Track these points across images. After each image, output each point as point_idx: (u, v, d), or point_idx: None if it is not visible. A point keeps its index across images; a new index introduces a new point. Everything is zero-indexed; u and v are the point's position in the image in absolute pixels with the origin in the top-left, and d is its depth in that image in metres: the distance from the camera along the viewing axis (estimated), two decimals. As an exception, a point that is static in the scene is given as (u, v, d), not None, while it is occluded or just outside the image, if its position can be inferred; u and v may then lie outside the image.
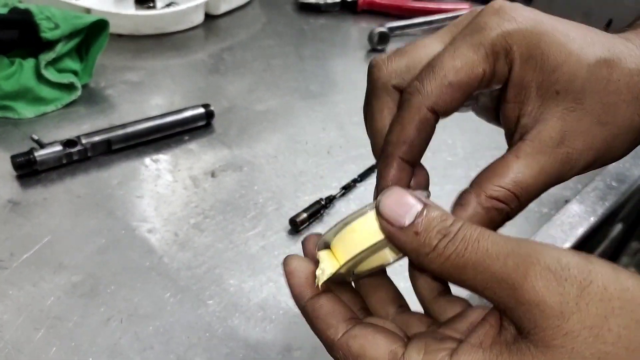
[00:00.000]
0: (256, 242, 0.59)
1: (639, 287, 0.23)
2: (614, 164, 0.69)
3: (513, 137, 0.32)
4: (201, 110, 0.71)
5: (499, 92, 0.33)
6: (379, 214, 0.27)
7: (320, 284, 0.30)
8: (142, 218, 0.60)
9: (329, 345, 0.29)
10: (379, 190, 0.33)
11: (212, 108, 0.72)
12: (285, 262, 0.32)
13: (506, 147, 0.71)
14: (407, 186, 0.33)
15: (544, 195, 0.70)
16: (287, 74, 0.85)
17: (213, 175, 0.66)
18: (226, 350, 0.49)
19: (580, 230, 0.60)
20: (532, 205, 0.67)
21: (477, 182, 0.31)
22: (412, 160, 0.32)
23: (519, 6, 0.30)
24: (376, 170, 0.33)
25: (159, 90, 0.79)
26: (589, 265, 0.23)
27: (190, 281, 0.54)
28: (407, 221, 0.26)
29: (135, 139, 0.67)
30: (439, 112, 0.31)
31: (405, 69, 0.32)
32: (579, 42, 0.30)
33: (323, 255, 0.31)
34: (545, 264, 0.23)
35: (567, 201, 0.69)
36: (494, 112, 0.36)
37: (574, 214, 0.61)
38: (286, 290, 0.54)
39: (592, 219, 0.61)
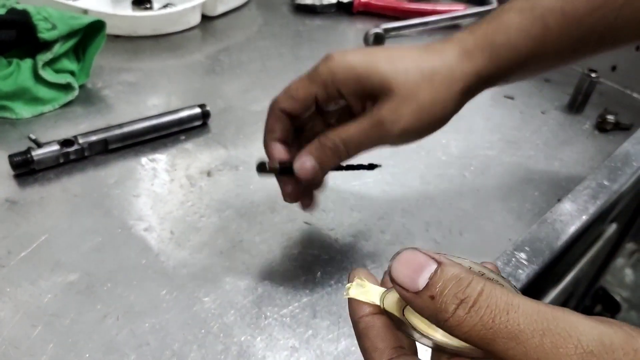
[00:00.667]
0: (252, 240, 0.59)
1: None
2: (606, 163, 0.70)
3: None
4: (197, 110, 0.72)
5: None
6: (392, 280, 0.26)
7: (346, 294, 0.31)
8: (138, 217, 0.60)
9: None
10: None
11: (208, 108, 0.73)
12: (356, 272, 0.32)
13: (498, 147, 0.75)
14: (287, 157, 0.52)
15: (536, 195, 0.71)
16: (283, 75, 0.86)
17: (209, 174, 0.67)
18: (221, 347, 0.49)
19: (571, 229, 0.60)
20: (525, 204, 0.68)
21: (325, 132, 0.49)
22: (281, 139, 0.52)
23: (345, 51, 0.49)
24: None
25: (156, 91, 0.80)
26: (634, 343, 0.21)
27: (186, 279, 0.54)
28: (421, 284, 0.25)
29: (131, 139, 0.68)
30: (287, 112, 0.50)
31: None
32: (389, 60, 0.47)
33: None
34: (588, 346, 0.21)
35: (559, 200, 0.69)
36: None
37: (566, 212, 0.62)
38: (281, 288, 0.55)
39: (584, 218, 0.61)
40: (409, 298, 0.26)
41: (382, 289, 0.32)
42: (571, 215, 0.61)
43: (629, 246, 1.92)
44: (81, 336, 0.48)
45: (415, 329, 0.29)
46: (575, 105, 0.86)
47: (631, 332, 0.22)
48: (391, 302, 0.31)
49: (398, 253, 0.27)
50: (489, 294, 0.24)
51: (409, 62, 0.46)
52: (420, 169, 0.72)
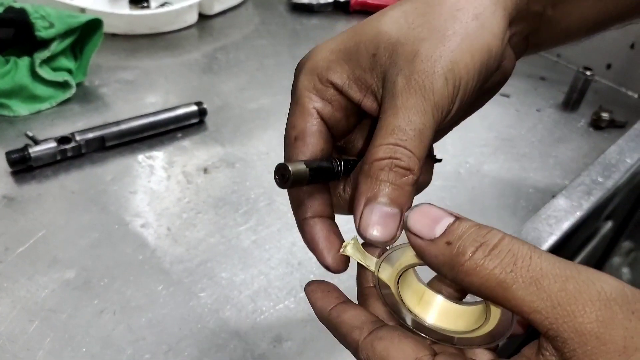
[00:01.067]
0: (248, 237, 0.60)
1: None
2: (600, 160, 0.70)
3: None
4: (194, 108, 0.72)
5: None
6: (407, 229, 0.26)
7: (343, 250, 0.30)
8: (135, 213, 0.61)
9: (354, 348, 0.27)
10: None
11: (205, 106, 0.73)
12: (306, 287, 0.31)
13: (494, 144, 0.73)
14: (336, 235, 0.32)
15: (531, 192, 0.71)
16: (280, 73, 0.86)
17: (206, 171, 0.67)
18: (218, 341, 0.49)
19: (565, 225, 0.61)
20: (520, 201, 0.69)
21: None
22: (320, 213, 0.33)
23: (317, 47, 0.33)
24: None
25: (153, 89, 0.80)
26: None
27: (183, 274, 0.55)
28: (438, 232, 0.24)
29: (128, 136, 0.68)
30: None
31: None
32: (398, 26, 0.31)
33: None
34: (611, 294, 0.21)
35: (554, 196, 0.70)
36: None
37: (560, 208, 0.62)
38: (277, 283, 0.56)
39: (578, 214, 0.62)
40: (423, 246, 0.25)
41: (376, 259, 0.30)
42: (565, 212, 0.62)
43: (626, 245, 1.93)
44: (78, 331, 0.49)
45: (404, 306, 0.29)
46: (571, 103, 0.87)
47: None
48: (386, 273, 0.30)
49: (414, 206, 0.26)
50: (511, 240, 0.23)
51: (408, 7, 0.32)
52: (415, 166, 0.72)
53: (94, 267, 0.54)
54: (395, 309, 0.29)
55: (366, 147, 0.31)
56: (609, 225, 0.92)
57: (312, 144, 0.31)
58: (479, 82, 0.31)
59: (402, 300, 0.29)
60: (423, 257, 0.26)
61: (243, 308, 0.53)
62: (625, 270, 2.25)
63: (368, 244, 0.30)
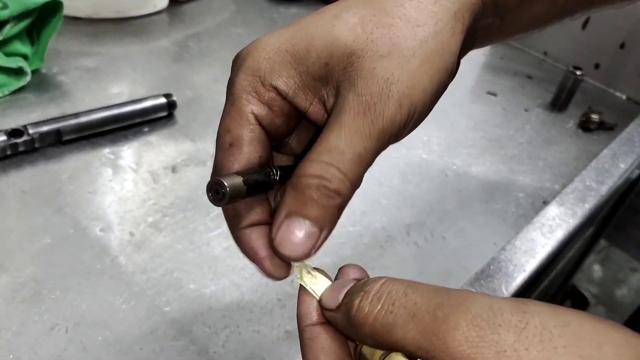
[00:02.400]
0: (219, 243, 0.54)
1: (581, 321, 0.21)
2: (593, 164, 0.67)
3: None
4: (162, 100, 0.67)
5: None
6: (321, 306, 0.27)
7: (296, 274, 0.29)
8: (94, 216, 0.55)
9: None
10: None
11: (174, 98, 0.68)
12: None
13: (481, 145, 0.67)
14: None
15: (521, 196, 0.68)
16: (256, 64, 0.80)
17: (174, 170, 0.62)
18: (184, 363, 0.44)
19: (560, 234, 0.57)
20: (510, 207, 0.65)
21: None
22: (255, 222, 0.30)
23: (256, 41, 0.31)
24: None
25: (118, 78, 0.74)
26: (523, 307, 0.21)
27: (146, 285, 0.49)
28: (340, 298, 0.26)
29: (88, 130, 0.62)
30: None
31: None
32: (332, 17, 0.29)
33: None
34: (477, 312, 0.21)
35: (545, 202, 0.66)
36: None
37: (554, 216, 0.59)
38: (252, 296, 0.51)
39: (572, 222, 0.58)
40: (330, 317, 0.26)
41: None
42: (559, 219, 0.58)
43: (602, 243, 1.93)
44: (24, 350, 0.43)
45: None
46: (559, 104, 0.83)
47: (524, 301, 0.22)
48: (365, 353, 0.27)
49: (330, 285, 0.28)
50: (389, 282, 0.24)
51: (365, 12, 0.29)
52: (400, 167, 0.68)
53: (45, 277, 0.48)
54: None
55: (303, 152, 0.31)
56: (591, 228, 0.89)
57: (249, 152, 0.29)
58: (435, 102, 0.30)
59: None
60: (335, 328, 0.26)
61: (213, 324, 0.47)
62: (596, 268, 2.26)
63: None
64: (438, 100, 0.30)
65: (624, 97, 0.90)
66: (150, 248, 0.53)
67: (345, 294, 0.25)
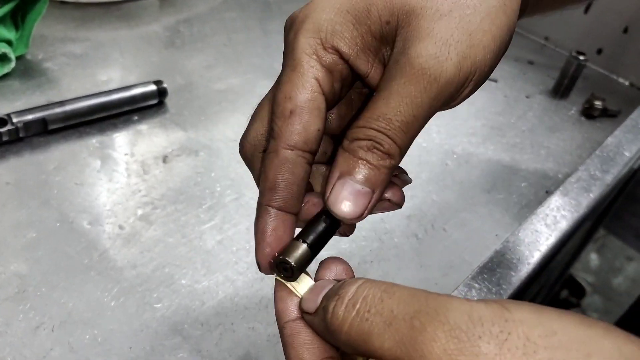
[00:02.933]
0: (212, 236, 0.52)
1: (568, 329, 0.19)
2: (598, 153, 0.65)
3: None
4: (153, 87, 0.64)
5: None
6: (300, 310, 0.26)
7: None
8: (81, 208, 0.52)
9: None
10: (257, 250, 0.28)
11: (165, 85, 0.65)
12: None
13: (482, 133, 0.63)
14: (290, 236, 0.28)
15: (523, 186, 0.66)
16: (250, 50, 0.78)
17: (165, 160, 0.59)
18: (175, 362, 0.42)
19: (564, 225, 0.55)
20: (513, 197, 0.63)
21: None
22: (286, 207, 0.28)
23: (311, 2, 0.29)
24: None
25: (106, 65, 0.71)
26: (505, 314, 0.19)
27: (136, 281, 0.47)
28: (318, 301, 0.24)
29: (75, 119, 0.60)
30: (300, 146, 0.27)
31: None
32: None
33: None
34: (455, 322, 0.20)
35: (548, 192, 0.64)
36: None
37: (558, 206, 0.57)
38: (247, 292, 0.49)
39: (577, 212, 0.57)
40: (309, 321, 0.25)
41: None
42: (564, 210, 0.56)
43: (600, 232, 1.92)
44: (8, 351, 0.41)
45: None
46: (561, 90, 0.81)
47: (506, 305, 0.20)
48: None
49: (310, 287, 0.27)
50: (365, 286, 0.22)
51: None
52: (399, 156, 0.65)
53: (30, 273, 0.46)
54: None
55: (340, 127, 0.31)
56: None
57: (309, 123, 0.27)
58: (497, 62, 0.28)
59: None
60: (314, 331, 0.25)
61: (206, 321, 0.46)
62: (593, 257, 2.25)
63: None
64: (500, 60, 0.28)
65: (627, 83, 0.88)
66: (140, 242, 0.51)
67: (323, 298, 0.24)
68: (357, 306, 0.22)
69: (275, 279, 0.27)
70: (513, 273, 0.50)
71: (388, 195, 0.29)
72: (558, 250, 0.55)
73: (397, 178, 0.31)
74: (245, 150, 0.30)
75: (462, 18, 0.26)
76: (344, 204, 0.26)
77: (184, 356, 0.43)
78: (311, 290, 0.26)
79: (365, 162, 0.26)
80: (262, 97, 0.30)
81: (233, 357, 0.44)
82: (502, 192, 0.64)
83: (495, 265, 0.50)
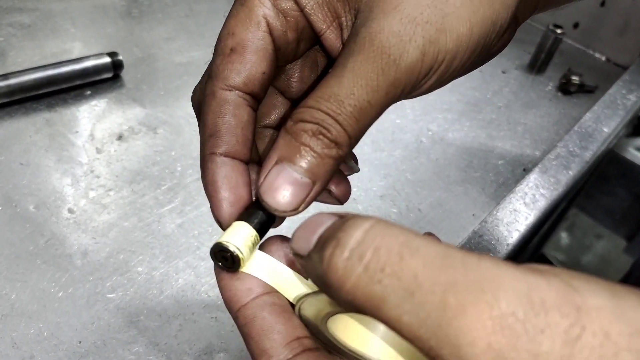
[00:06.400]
0: (172, 220, 0.49)
1: None
2: (576, 129, 0.63)
3: None
4: (106, 59, 0.59)
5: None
6: (292, 252, 0.20)
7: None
8: (27, 191, 0.48)
9: None
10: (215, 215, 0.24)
11: (120, 57, 0.60)
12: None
13: (457, 109, 0.60)
14: (246, 184, 0.24)
15: (500, 163, 0.64)
16: (214, 22, 0.73)
17: (120, 138, 0.55)
18: (130, 357, 0.39)
19: (543, 203, 0.53)
20: (489, 175, 0.61)
21: None
22: (233, 153, 0.24)
23: None
24: None
25: (56, 36, 0.66)
26: (576, 298, 0.15)
27: (86, 270, 0.43)
28: (313, 242, 0.18)
29: (21, 93, 0.55)
30: (240, 87, 0.24)
31: None
32: None
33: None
34: (508, 306, 0.14)
35: (525, 170, 0.62)
36: None
37: (537, 184, 0.55)
38: (208, 279, 0.45)
39: (556, 191, 0.54)
40: (302, 265, 0.19)
41: (299, 279, 0.23)
42: (543, 188, 0.54)
43: (572, 211, 1.94)
44: (-58, 349, 0.37)
45: (338, 343, 0.22)
46: (537, 65, 0.79)
47: (570, 281, 0.15)
48: (311, 305, 0.22)
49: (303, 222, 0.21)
50: (377, 231, 0.16)
51: None
52: (371, 134, 0.62)
53: (-32, 263, 0.42)
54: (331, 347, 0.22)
55: (301, 97, 0.27)
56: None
57: (252, 62, 0.24)
58: (470, 60, 0.24)
59: (335, 339, 0.22)
60: (308, 276, 0.21)
61: (164, 312, 0.42)
62: (563, 235, 2.28)
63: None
64: (476, 55, 0.24)
65: (603, 58, 0.86)
66: (92, 227, 0.47)
67: (319, 238, 0.18)
68: (366, 260, 0.16)
69: (215, 268, 0.23)
70: (492, 254, 0.48)
71: (332, 187, 0.26)
72: (537, 230, 0.53)
73: (343, 164, 0.27)
74: (197, 97, 0.26)
75: None
76: (279, 194, 0.22)
77: (139, 350, 0.39)
78: (304, 226, 0.20)
79: (308, 148, 0.22)
80: None
81: (194, 349, 0.40)
82: (478, 170, 0.61)
83: (474, 247, 0.48)
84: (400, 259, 0.16)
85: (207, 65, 0.26)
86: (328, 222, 0.18)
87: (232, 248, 0.22)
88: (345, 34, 0.25)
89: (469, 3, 0.23)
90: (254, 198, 0.25)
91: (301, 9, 0.24)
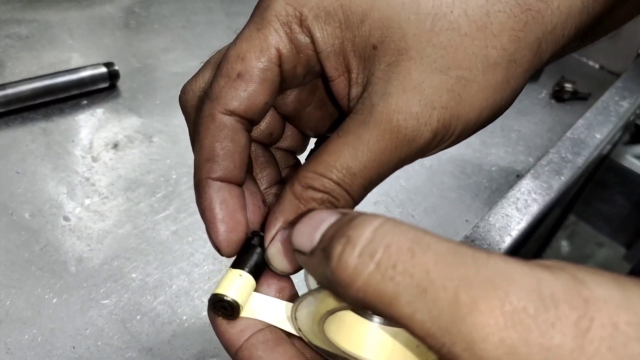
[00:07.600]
0: (167, 227, 0.49)
1: None
2: (569, 135, 0.63)
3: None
4: (103, 69, 0.60)
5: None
6: (293, 247, 0.20)
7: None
8: (23, 199, 0.49)
9: None
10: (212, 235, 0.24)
11: (116, 67, 0.61)
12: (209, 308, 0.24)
13: None
14: (242, 209, 0.24)
15: (494, 170, 0.64)
16: (211, 33, 0.74)
17: (116, 146, 0.56)
18: (123, 363, 0.39)
19: (535, 208, 0.54)
20: (482, 180, 0.61)
21: (296, 172, 0.24)
22: (231, 178, 0.24)
23: None
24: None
25: (53, 47, 0.67)
26: (583, 291, 0.15)
27: (81, 276, 0.44)
28: (316, 239, 0.18)
29: (18, 103, 0.56)
30: (240, 113, 0.23)
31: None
32: None
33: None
34: (520, 300, 0.15)
35: (518, 176, 0.63)
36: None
37: (529, 190, 0.55)
38: (201, 284, 0.45)
39: (548, 196, 0.55)
40: (304, 262, 0.19)
41: (286, 304, 0.24)
42: (535, 193, 0.54)
43: (571, 218, 1.94)
44: (-64, 355, 0.37)
45: (333, 346, 0.22)
46: (531, 73, 0.80)
47: (577, 274, 0.15)
48: (306, 313, 0.22)
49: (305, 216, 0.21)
50: (387, 229, 0.16)
51: None
52: (366, 141, 0.63)
53: (-37, 270, 0.42)
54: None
55: (297, 111, 0.27)
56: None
57: (256, 92, 0.23)
58: (473, 134, 0.25)
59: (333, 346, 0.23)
60: (310, 274, 0.20)
61: (158, 317, 0.42)
62: (564, 243, 2.28)
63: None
64: (480, 127, 0.25)
65: (597, 66, 0.87)
66: (87, 234, 0.47)
67: (323, 234, 0.18)
68: (377, 258, 0.16)
69: (209, 313, 0.24)
70: (483, 259, 0.48)
71: None
72: (529, 235, 0.53)
73: None
74: (187, 98, 0.25)
75: (458, 81, 0.22)
76: (287, 259, 0.23)
77: (132, 355, 0.40)
78: (305, 221, 0.20)
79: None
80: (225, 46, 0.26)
81: (187, 355, 0.41)
82: (472, 176, 0.61)
83: (465, 252, 0.48)
84: (412, 256, 0.16)
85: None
86: (331, 219, 0.18)
87: (230, 300, 0.22)
88: (354, 90, 0.24)
89: (484, 90, 0.23)
90: (249, 231, 0.25)
91: (317, 51, 0.24)
